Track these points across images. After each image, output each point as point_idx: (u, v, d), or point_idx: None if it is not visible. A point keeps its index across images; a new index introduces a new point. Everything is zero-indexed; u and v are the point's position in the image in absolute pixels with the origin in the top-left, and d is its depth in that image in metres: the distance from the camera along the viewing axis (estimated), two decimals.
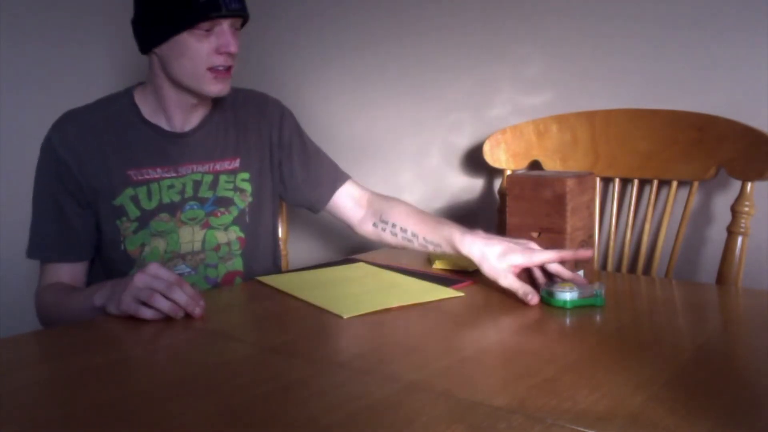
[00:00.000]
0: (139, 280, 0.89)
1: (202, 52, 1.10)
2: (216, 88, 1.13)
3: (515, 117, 1.51)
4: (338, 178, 1.33)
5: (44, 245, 1.18)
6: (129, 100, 1.21)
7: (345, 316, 0.89)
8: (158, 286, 0.88)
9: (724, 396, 0.64)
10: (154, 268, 0.90)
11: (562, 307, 0.92)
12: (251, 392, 0.65)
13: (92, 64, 1.88)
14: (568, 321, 0.89)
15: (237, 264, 1.25)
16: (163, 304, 0.88)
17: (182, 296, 0.89)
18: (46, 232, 1.18)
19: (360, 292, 1.03)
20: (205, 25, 1.09)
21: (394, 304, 0.94)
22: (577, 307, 0.92)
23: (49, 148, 1.17)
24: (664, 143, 1.29)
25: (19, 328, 0.89)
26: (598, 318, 0.91)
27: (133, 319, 0.88)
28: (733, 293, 1.11)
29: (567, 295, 0.92)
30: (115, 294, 0.91)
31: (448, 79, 1.61)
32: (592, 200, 1.10)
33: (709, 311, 1.01)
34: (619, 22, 1.37)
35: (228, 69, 1.13)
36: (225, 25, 1.10)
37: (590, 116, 1.37)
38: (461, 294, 1.01)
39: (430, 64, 1.63)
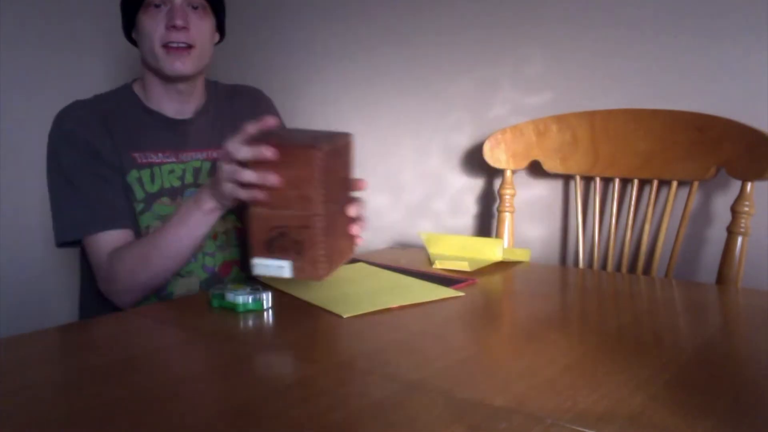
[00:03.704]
0: (223, 173, 0.92)
1: (154, 28, 1.13)
2: (172, 65, 1.14)
3: (515, 117, 1.51)
4: None
5: (78, 221, 1.13)
6: (129, 91, 1.24)
7: (345, 316, 0.89)
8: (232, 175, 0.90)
9: (724, 396, 0.64)
10: (227, 150, 0.91)
11: (233, 310, 0.92)
12: (252, 392, 0.65)
13: (88, 65, 1.88)
14: (560, 321, 0.89)
15: (234, 253, 1.26)
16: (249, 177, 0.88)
17: (252, 176, 0.88)
18: (77, 209, 1.14)
19: (360, 292, 1.03)
20: (155, 1, 1.13)
21: (394, 304, 0.94)
22: (249, 311, 0.92)
23: (63, 133, 1.15)
24: (664, 143, 1.29)
25: (19, 328, 0.89)
26: (595, 317, 0.91)
27: (133, 320, 0.88)
28: (733, 293, 1.11)
29: (239, 299, 0.91)
30: (216, 187, 0.96)
31: (448, 79, 1.61)
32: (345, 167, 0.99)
33: (709, 311, 1.01)
34: (619, 23, 1.37)
35: (188, 47, 1.14)
36: (177, 1, 1.13)
37: (590, 116, 1.37)
38: (461, 294, 1.01)
39: (431, 64, 1.63)
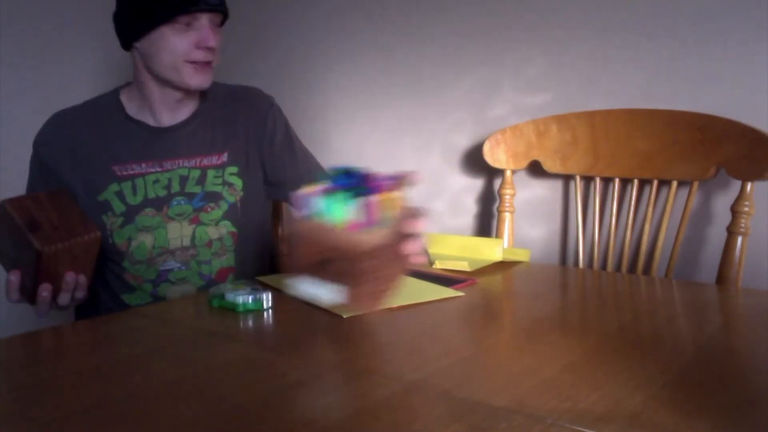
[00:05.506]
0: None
1: (181, 45, 1.12)
2: (196, 80, 1.15)
3: (515, 117, 1.51)
4: None
5: None
6: (114, 99, 1.24)
7: (345, 316, 0.89)
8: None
9: (724, 396, 0.64)
10: None
11: (233, 310, 0.92)
12: (251, 392, 0.65)
13: (84, 65, 1.88)
14: (559, 321, 0.89)
15: (230, 260, 1.25)
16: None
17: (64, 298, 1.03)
18: None
19: None
20: (184, 18, 1.11)
21: (394, 304, 0.94)
22: (249, 311, 0.92)
23: (34, 145, 1.22)
24: (664, 143, 1.29)
25: (19, 328, 0.89)
26: (595, 317, 0.91)
27: (133, 320, 0.88)
28: (733, 293, 1.11)
29: (239, 299, 0.92)
30: None
31: (448, 79, 1.61)
32: None
33: (709, 311, 1.01)
34: (619, 23, 1.37)
35: (208, 63, 1.16)
36: (204, 20, 1.12)
37: (590, 116, 1.37)
38: (461, 294, 1.01)
39: (431, 64, 1.63)
